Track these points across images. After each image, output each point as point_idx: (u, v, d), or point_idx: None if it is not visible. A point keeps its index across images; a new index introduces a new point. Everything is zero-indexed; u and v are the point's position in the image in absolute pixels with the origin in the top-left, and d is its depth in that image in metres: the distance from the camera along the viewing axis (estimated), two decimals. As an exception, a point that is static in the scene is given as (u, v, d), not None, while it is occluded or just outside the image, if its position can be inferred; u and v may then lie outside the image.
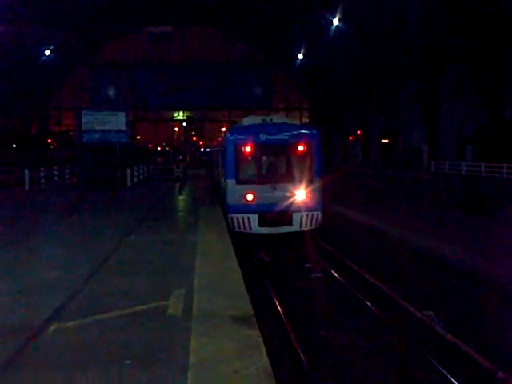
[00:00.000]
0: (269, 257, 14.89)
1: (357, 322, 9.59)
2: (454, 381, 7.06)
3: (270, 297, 10.87)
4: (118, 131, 24.51)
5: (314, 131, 15.70)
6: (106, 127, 24.41)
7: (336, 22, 36.98)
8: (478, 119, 36.35)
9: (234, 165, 14.87)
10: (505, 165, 30.46)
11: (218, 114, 70.76)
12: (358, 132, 55.39)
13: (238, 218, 14.45)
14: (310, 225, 14.81)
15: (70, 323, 5.59)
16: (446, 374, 7.25)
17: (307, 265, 13.78)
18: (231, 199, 14.73)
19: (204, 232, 11.84)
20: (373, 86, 48.48)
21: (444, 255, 12.75)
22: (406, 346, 8.26)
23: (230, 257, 8.98)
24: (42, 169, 26.95)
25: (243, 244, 14.90)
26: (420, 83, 41.55)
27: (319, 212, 14.91)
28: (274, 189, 14.57)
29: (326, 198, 15.89)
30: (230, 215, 14.56)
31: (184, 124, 77.53)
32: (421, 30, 37.25)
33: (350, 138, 57.84)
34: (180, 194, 22.90)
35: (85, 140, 24.51)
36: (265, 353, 4.68)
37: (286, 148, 15.12)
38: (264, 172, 15.44)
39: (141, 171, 31.33)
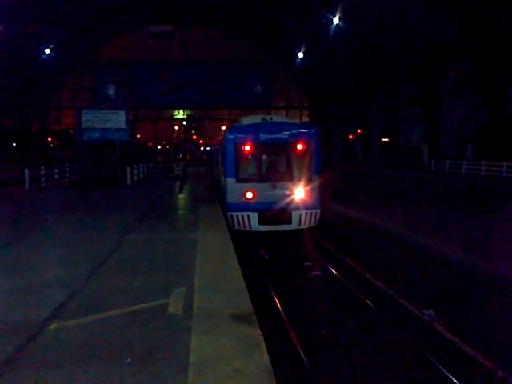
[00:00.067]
0: (268, 255, 14.90)
1: (357, 321, 9.59)
2: (455, 380, 7.06)
3: (269, 295, 10.87)
4: (118, 130, 24.51)
5: (313, 130, 15.83)
6: (106, 126, 24.42)
7: (336, 20, 36.94)
8: (479, 118, 36.35)
9: (234, 163, 15.06)
10: (505, 163, 30.48)
11: (218, 113, 70.81)
12: (358, 131, 55.39)
13: (237, 216, 14.66)
14: (309, 223, 15.06)
15: (71, 322, 5.60)
16: (447, 373, 7.25)
17: (306, 263, 13.79)
18: (231, 197, 14.92)
19: (204, 230, 11.85)
20: (373, 85, 48.47)
21: (445, 254, 12.76)
22: (405, 345, 8.26)
23: (230, 255, 8.99)
24: (42, 167, 26.93)
25: (243, 242, 14.93)
26: (420, 82, 41.53)
27: (318, 210, 15.17)
28: (274, 187, 14.76)
29: (326, 197, 15.93)
30: (229, 213, 14.75)
31: (184, 122, 77.61)
32: (421, 29, 37.23)
33: (350, 136, 57.85)
34: (180, 192, 22.90)
35: (85, 138, 24.51)
36: (265, 351, 4.69)
37: (286, 147, 15.32)
38: (263, 171, 15.62)
39: (141, 170, 31.32)
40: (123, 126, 24.70)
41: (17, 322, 5.62)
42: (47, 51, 47.03)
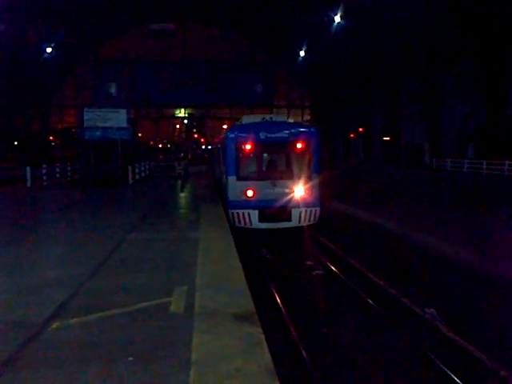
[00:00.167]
0: (271, 254, 14.92)
1: (358, 320, 9.58)
2: (457, 379, 7.05)
3: (271, 294, 10.87)
4: (120, 128, 24.51)
5: (312, 130, 16.20)
6: (108, 124, 24.43)
7: (338, 19, 36.92)
8: (480, 117, 36.30)
9: (235, 162, 15.35)
10: (506, 162, 30.45)
11: (219, 112, 70.73)
12: (360, 129, 55.35)
13: (238, 213, 14.94)
14: (309, 220, 15.34)
15: (73, 321, 5.60)
16: (449, 372, 7.24)
17: (309, 262, 13.80)
18: (232, 195, 15.21)
19: (206, 229, 11.85)
20: (374, 84, 48.42)
21: (445, 253, 12.75)
22: (407, 344, 8.26)
23: (232, 254, 8.99)
24: (43, 166, 26.96)
25: (245, 241, 14.97)
26: (422, 81, 41.48)
27: (317, 208, 15.45)
28: (274, 185, 15.09)
29: (327, 195, 15.96)
30: (230, 211, 15.03)
31: (185, 121, 77.57)
32: (421, 29, 37.18)
33: (352, 135, 57.79)
34: (182, 191, 22.91)
35: (86, 137, 24.52)
36: (267, 350, 4.69)
37: (286, 146, 15.63)
38: (264, 169, 15.95)
39: (142, 168, 31.33)
40: (125, 124, 24.70)
41: (18, 321, 5.61)
42: (48, 50, 47.08)
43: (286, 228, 15.50)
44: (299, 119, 64.96)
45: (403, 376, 7.42)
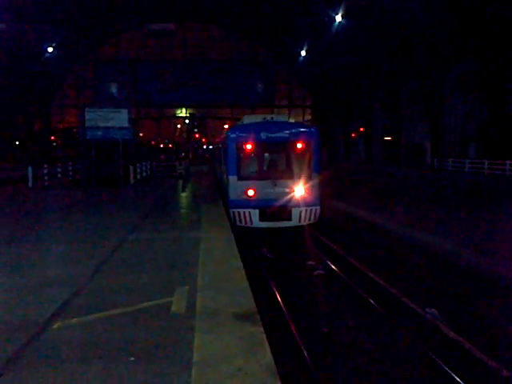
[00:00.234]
0: (271, 253, 14.94)
1: (359, 320, 9.58)
2: (458, 379, 7.05)
3: (272, 294, 10.87)
4: (121, 128, 24.55)
5: (312, 130, 16.34)
6: (109, 124, 24.47)
7: (338, 18, 36.88)
8: (481, 117, 36.26)
9: (236, 162, 15.49)
10: (508, 162, 30.42)
11: (220, 111, 70.75)
12: (361, 129, 55.34)
13: (239, 212, 15.09)
14: (309, 219, 15.49)
15: (74, 320, 5.60)
16: (450, 372, 7.24)
17: (310, 262, 13.80)
18: (233, 194, 15.34)
19: (207, 229, 11.86)
20: (375, 84, 48.40)
21: (445, 252, 12.74)
22: (408, 344, 8.26)
23: (233, 254, 9.00)
24: (45, 166, 27.00)
25: (246, 240, 14.99)
26: (422, 81, 41.45)
27: (317, 207, 15.62)
28: (274, 185, 15.24)
29: (327, 195, 15.98)
30: (231, 210, 15.20)
31: (187, 121, 77.56)
32: (422, 29, 37.16)
33: (353, 135, 57.80)
34: (183, 191, 22.92)
35: (88, 137, 24.55)
36: (268, 350, 4.69)
37: (286, 146, 15.79)
38: (264, 169, 16.11)
39: (143, 168, 31.35)
40: (126, 124, 24.73)
41: (19, 321, 5.62)
42: (50, 49, 47.10)
43: (286, 227, 15.61)
44: (300, 119, 64.99)
45: (404, 376, 7.42)
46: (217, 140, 37.38)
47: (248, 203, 15.08)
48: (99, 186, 23.64)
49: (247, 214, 15.04)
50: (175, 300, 6.25)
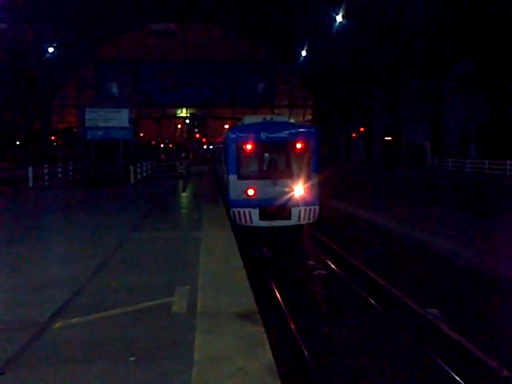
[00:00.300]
0: (272, 253, 14.96)
1: (360, 320, 9.57)
2: (459, 379, 7.04)
3: (273, 293, 10.86)
4: (122, 128, 24.58)
5: (312, 130, 16.58)
6: (110, 124, 24.49)
7: (339, 18, 36.87)
8: (481, 117, 36.24)
9: (236, 161, 15.68)
10: (508, 162, 30.40)
11: (221, 111, 70.74)
12: (362, 129, 55.31)
13: (239, 211, 15.25)
14: (308, 218, 15.68)
15: (75, 320, 5.60)
16: (451, 372, 7.23)
17: (311, 261, 13.80)
18: (233, 194, 15.50)
19: (208, 229, 11.86)
20: (376, 84, 48.38)
21: (445, 252, 12.73)
22: (409, 344, 8.25)
23: (234, 253, 8.99)
24: (45, 166, 27.00)
25: (246, 239, 15.00)
26: (423, 81, 41.43)
27: (317, 206, 15.80)
28: (274, 184, 15.41)
29: (327, 194, 16.00)
30: (232, 209, 15.37)
31: (187, 121, 77.55)
32: (422, 29, 37.15)
33: (354, 135, 57.76)
34: (183, 190, 22.92)
35: (88, 137, 24.57)
36: (269, 350, 4.68)
37: (286, 146, 15.99)
38: (264, 168, 16.29)
39: (144, 168, 31.36)
40: (126, 124, 24.76)
41: (20, 321, 5.62)
42: (50, 49, 47.12)
43: (285, 226, 15.75)
44: (301, 119, 64.99)
45: (404, 376, 7.41)
46: (217, 140, 37.45)
47: (248, 202, 15.22)
48: (100, 186, 23.65)
49: (247, 213, 15.19)
50: (176, 300, 6.25)
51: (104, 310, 5.88)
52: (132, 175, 26.64)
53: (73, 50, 55.40)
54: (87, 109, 25.18)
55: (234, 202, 15.41)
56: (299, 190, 15.41)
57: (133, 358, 4.58)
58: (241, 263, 8.19)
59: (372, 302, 10.24)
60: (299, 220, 15.54)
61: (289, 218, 15.44)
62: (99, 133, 24.52)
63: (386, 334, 8.81)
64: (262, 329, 5.21)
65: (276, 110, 62.51)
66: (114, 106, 28.04)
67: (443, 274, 12.11)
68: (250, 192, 15.26)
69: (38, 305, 6.14)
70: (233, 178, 15.55)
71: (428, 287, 11.33)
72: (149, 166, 33.61)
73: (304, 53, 49.44)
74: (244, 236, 14.98)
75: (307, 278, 12.55)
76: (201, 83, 64.11)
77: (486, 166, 32.47)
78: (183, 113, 73.43)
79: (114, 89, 62.95)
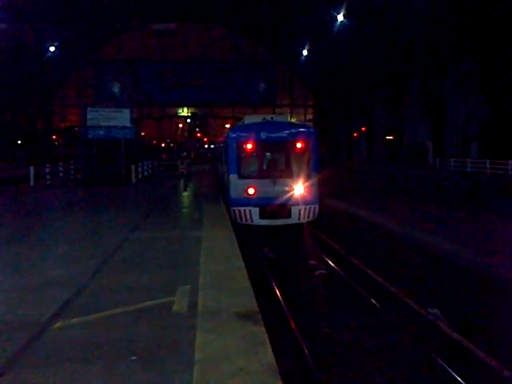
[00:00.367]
0: (273, 252, 14.94)
1: (361, 320, 9.56)
2: (460, 379, 7.02)
3: (274, 293, 10.85)
4: (123, 128, 24.61)
5: (311, 130, 16.90)
6: (111, 124, 24.52)
7: (340, 18, 36.85)
8: (483, 116, 36.19)
9: (237, 161, 15.85)
10: (510, 161, 30.36)
11: (222, 111, 70.71)
12: (363, 129, 55.27)
13: (240, 210, 15.41)
14: (308, 217, 15.88)
15: (75, 320, 5.60)
16: (451, 372, 7.21)
17: (312, 261, 13.79)
18: (234, 193, 15.66)
19: (209, 228, 11.86)
20: (377, 83, 48.36)
21: (445, 252, 12.71)
22: (409, 344, 8.24)
23: (235, 253, 8.99)
24: (47, 165, 27.02)
25: (247, 239, 15.01)
26: (424, 80, 41.40)
27: (316, 205, 16.00)
28: (274, 183, 15.57)
29: (328, 194, 16.02)
30: (232, 208, 15.54)
31: (188, 120, 77.58)
32: (422, 28, 37.12)
33: (355, 134, 57.72)
34: (185, 190, 22.93)
35: (90, 136, 24.58)
36: (270, 350, 4.68)
37: (285, 145, 16.17)
38: (264, 168, 16.46)
39: (145, 167, 31.36)
40: (128, 124, 24.79)
41: (20, 321, 5.62)
42: (51, 49, 47.11)
43: (286, 225, 15.91)
44: (302, 118, 64.96)
45: (405, 377, 7.40)
46: (218, 139, 37.49)
47: (248, 201, 15.37)
48: (101, 185, 23.66)
49: (248, 212, 15.33)
50: (177, 299, 6.24)
51: (105, 310, 5.87)
52: (133, 174, 26.66)
53: (73, 50, 55.40)
54: (89, 108, 25.19)
55: (235, 200, 15.54)
56: (299, 189, 15.56)
57: (133, 358, 4.58)
58: (242, 263, 8.19)
59: (373, 301, 10.24)
60: (299, 219, 15.71)
61: (289, 216, 15.61)
62: (101, 132, 24.55)
63: (386, 334, 8.80)
64: (263, 329, 5.21)
65: (277, 110, 62.50)
66: (116, 105, 28.05)
67: (443, 273, 12.10)
68: (251, 191, 15.40)
69: (38, 305, 6.13)
70: (233, 177, 15.69)
71: (428, 287, 11.32)
72: (150, 166, 33.63)
73: (305, 52, 49.40)
74: (245, 236, 14.99)
75: (308, 278, 12.54)
76: (202, 83, 64.10)
77: (488, 166, 32.41)
78: (184, 112, 73.44)
79: (116, 88, 62.96)
